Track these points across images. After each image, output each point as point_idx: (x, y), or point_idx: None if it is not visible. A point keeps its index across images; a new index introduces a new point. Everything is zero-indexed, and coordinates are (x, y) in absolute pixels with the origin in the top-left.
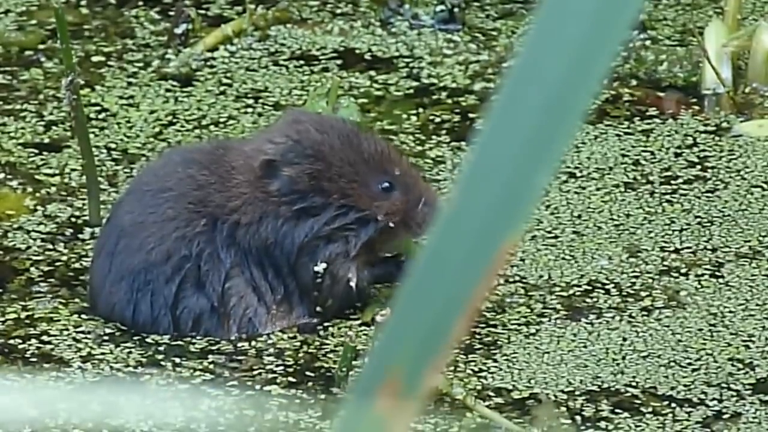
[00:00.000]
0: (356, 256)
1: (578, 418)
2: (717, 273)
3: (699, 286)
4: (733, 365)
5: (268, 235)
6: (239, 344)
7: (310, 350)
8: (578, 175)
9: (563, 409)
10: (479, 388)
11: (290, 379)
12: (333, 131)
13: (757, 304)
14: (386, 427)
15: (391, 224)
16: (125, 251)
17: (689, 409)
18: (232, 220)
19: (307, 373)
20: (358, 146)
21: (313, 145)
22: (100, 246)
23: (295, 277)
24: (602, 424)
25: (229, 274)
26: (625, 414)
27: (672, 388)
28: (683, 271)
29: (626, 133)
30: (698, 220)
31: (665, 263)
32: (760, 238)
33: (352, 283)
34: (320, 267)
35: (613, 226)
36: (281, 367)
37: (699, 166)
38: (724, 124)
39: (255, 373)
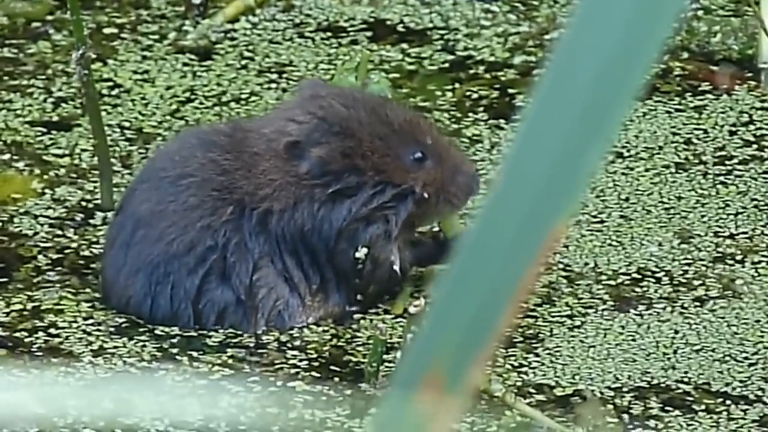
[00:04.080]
0: (396, 236)
1: (625, 416)
2: None
3: (756, 274)
4: None
5: (304, 221)
6: (262, 337)
7: (338, 343)
8: (626, 155)
9: (609, 406)
10: (520, 384)
11: (315, 374)
12: (358, 104)
13: None
14: (428, 423)
15: (426, 195)
16: (143, 242)
17: (745, 407)
18: (264, 208)
19: (334, 367)
20: (386, 117)
21: (341, 122)
22: (113, 237)
23: (334, 264)
24: (651, 422)
25: (257, 265)
26: (676, 412)
27: (727, 384)
28: (739, 258)
29: (677, 110)
30: (755, 203)
31: (719, 250)
32: None
33: (396, 267)
34: (362, 252)
35: (663, 210)
36: (306, 362)
37: (755, 145)
38: None
39: (278, 367)
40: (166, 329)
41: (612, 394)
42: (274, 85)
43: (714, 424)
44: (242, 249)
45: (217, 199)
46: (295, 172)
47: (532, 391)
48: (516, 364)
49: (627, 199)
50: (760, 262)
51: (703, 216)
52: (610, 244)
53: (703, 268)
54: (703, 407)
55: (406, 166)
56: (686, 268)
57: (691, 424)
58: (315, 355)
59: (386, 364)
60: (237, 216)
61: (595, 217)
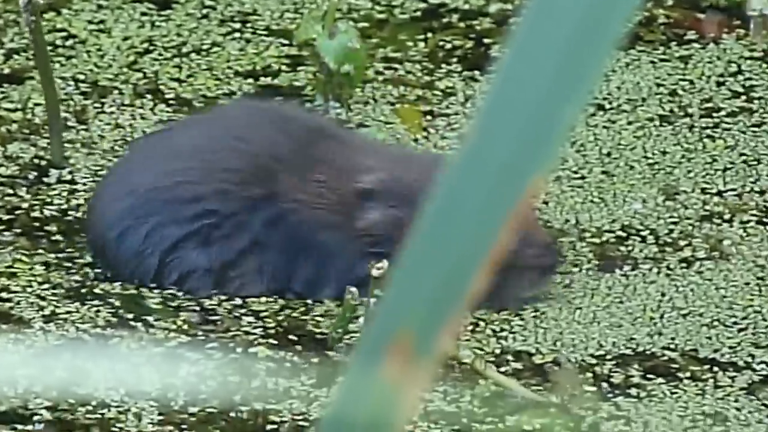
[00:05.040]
0: None
1: (605, 384)
2: (765, 219)
3: (745, 234)
4: None
5: (328, 248)
6: (222, 305)
7: (293, 314)
8: (607, 107)
9: (588, 374)
10: (498, 351)
11: (273, 341)
12: (426, 171)
13: None
14: (395, 394)
15: None
16: (151, 167)
17: (733, 374)
18: (291, 209)
19: (292, 336)
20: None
21: (406, 188)
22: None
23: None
24: (633, 391)
25: (245, 251)
26: (660, 380)
27: (715, 351)
28: (727, 217)
29: (661, 60)
30: (743, 158)
31: (706, 208)
32: None
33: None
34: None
35: (646, 166)
36: (262, 329)
37: (744, 97)
38: None
39: (235, 335)
40: (122, 294)
41: (594, 361)
42: (237, 35)
43: (699, 392)
44: (242, 230)
45: (255, 176)
46: (352, 218)
47: (511, 358)
48: (494, 330)
49: (609, 154)
50: (749, 221)
51: (689, 171)
52: (591, 201)
53: (690, 228)
54: (688, 374)
55: None
56: (672, 227)
57: (675, 392)
58: (273, 324)
59: (351, 331)
60: (262, 201)
61: (575, 172)
